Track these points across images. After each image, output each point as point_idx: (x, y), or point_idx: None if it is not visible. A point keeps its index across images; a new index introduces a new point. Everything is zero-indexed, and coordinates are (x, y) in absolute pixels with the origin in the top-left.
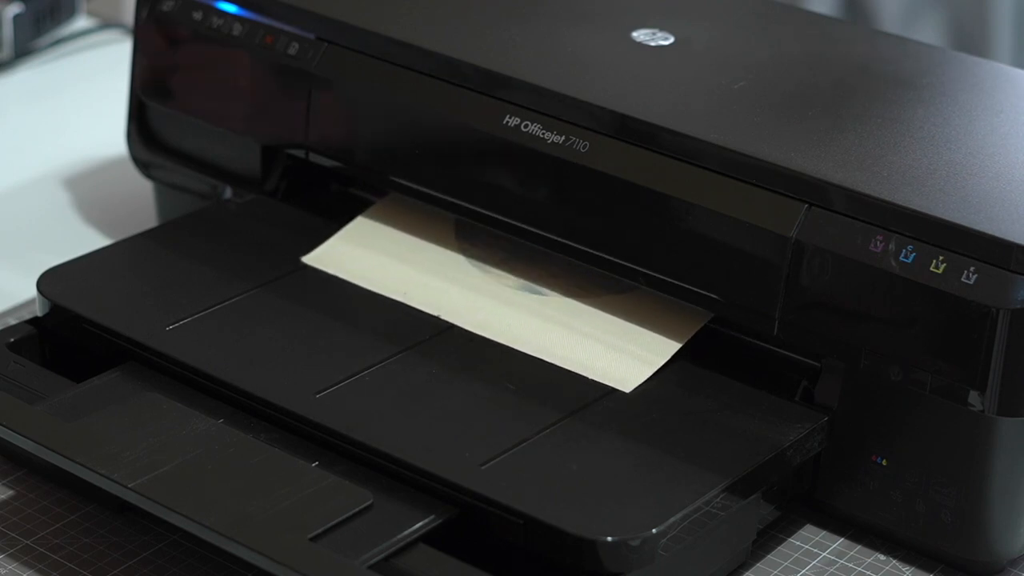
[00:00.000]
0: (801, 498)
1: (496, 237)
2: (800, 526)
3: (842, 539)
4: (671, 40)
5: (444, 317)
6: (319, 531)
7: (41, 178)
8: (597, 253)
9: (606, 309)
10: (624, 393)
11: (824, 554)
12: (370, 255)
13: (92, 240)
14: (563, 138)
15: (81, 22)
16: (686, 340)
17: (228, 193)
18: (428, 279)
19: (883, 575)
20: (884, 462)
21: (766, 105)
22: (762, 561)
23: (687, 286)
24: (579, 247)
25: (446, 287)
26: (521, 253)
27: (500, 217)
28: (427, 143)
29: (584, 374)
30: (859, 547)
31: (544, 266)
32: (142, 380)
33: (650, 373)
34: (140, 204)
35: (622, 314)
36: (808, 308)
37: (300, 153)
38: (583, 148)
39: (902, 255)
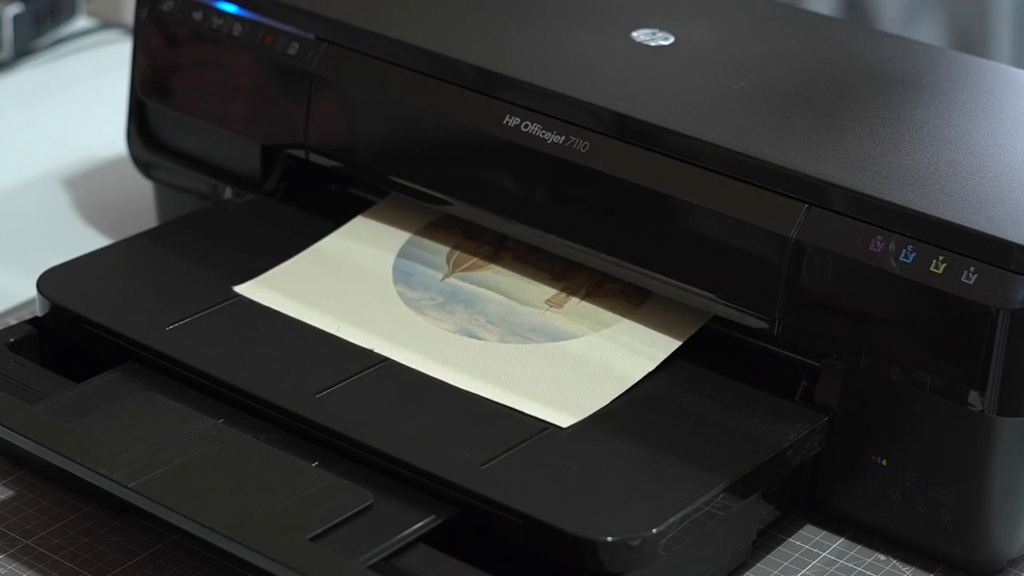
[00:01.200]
0: (801, 498)
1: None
2: (800, 526)
3: (842, 539)
4: (671, 40)
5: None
6: (319, 531)
7: (41, 178)
8: (597, 253)
9: (555, 352)
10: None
11: (824, 554)
12: (305, 291)
13: (92, 240)
14: (563, 138)
15: (81, 22)
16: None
17: (228, 193)
18: (360, 319)
19: (883, 575)
20: (884, 462)
21: (766, 105)
22: (762, 561)
23: (687, 286)
24: (579, 247)
25: (379, 328)
26: (460, 298)
27: (499, 217)
28: (427, 143)
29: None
30: (859, 547)
31: (483, 308)
32: (142, 380)
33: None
34: (140, 204)
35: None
36: (808, 308)
37: (300, 153)
38: (583, 148)
39: (902, 255)
